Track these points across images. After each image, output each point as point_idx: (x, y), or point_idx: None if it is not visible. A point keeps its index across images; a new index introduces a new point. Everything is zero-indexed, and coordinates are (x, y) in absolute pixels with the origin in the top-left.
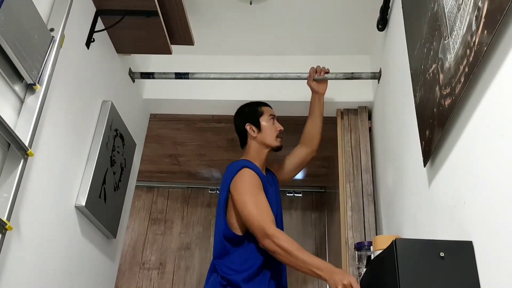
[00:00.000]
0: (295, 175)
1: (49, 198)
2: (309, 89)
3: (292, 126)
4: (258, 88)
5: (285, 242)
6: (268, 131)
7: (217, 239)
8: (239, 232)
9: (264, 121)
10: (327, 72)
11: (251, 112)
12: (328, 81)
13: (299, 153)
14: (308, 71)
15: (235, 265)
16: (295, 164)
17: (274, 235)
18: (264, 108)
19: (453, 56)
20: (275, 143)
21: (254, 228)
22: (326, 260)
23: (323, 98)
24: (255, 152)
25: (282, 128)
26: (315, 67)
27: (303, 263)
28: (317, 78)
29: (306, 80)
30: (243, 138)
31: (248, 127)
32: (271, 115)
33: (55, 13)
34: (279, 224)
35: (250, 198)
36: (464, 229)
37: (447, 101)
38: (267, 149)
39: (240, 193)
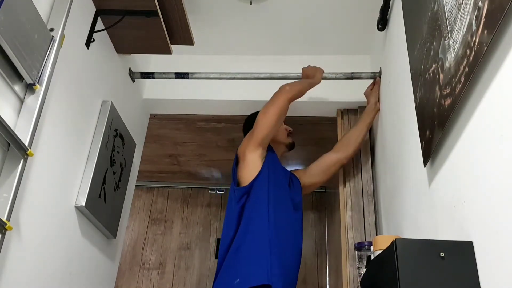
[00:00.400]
0: (319, 181)
1: (49, 198)
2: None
3: (293, 126)
4: (258, 88)
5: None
6: (279, 130)
7: (230, 214)
8: (246, 183)
9: None
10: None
11: None
12: (328, 81)
13: (328, 158)
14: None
15: (257, 211)
16: (321, 168)
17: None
18: None
19: (453, 56)
20: (287, 139)
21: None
22: (326, 260)
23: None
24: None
25: (291, 128)
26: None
27: (300, 88)
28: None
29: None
30: None
31: None
32: None
33: (55, 13)
34: (293, 228)
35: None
36: (464, 229)
37: (447, 101)
38: (280, 146)
39: (250, 133)
